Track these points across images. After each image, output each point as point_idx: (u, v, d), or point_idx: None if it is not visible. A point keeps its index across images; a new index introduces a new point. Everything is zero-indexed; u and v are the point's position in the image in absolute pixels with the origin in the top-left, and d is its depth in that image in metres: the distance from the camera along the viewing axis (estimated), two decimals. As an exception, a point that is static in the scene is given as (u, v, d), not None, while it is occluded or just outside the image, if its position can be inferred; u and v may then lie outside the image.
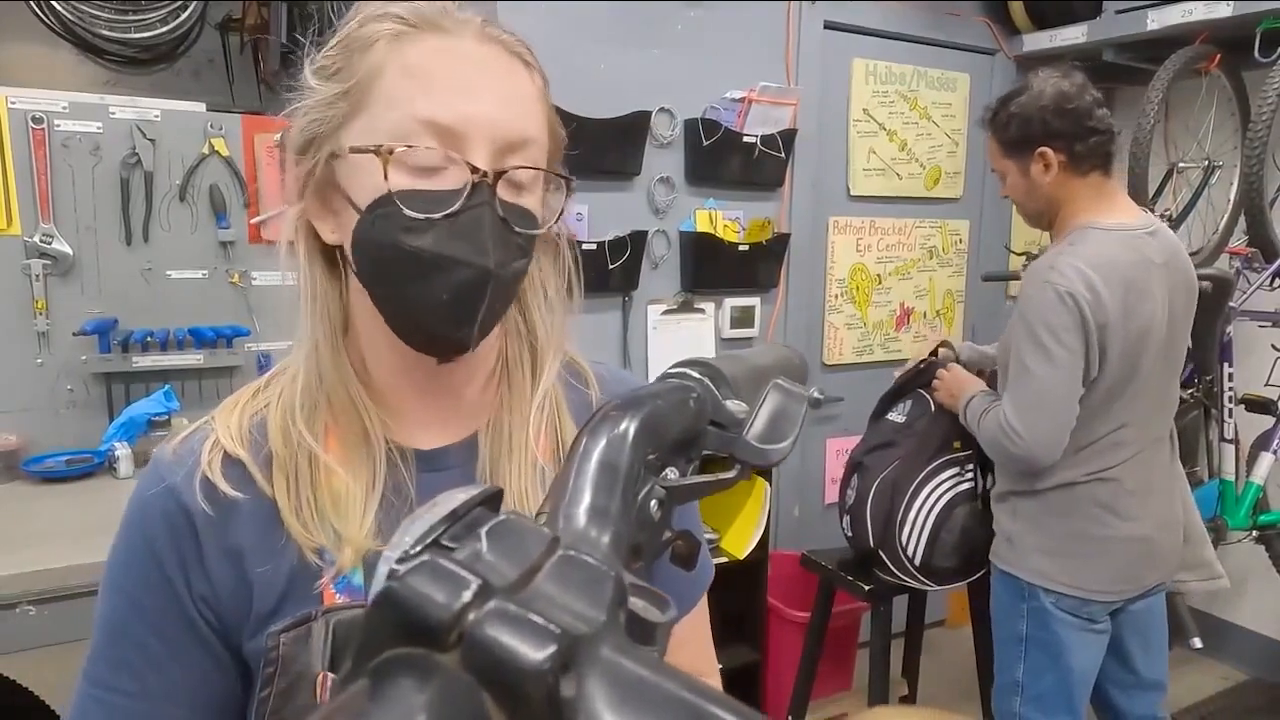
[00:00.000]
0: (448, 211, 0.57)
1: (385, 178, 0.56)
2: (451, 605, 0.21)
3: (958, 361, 2.00)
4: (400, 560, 0.23)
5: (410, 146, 0.56)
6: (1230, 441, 2.59)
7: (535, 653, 0.20)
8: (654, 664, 0.22)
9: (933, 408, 1.95)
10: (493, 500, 0.29)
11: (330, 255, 0.64)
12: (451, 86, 0.57)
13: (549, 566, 0.24)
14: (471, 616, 0.21)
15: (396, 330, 0.61)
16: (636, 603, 0.26)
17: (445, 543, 0.25)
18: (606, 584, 0.24)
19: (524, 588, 0.23)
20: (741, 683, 2.48)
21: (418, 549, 0.24)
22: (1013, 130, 1.67)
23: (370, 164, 0.57)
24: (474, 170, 0.57)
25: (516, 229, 0.60)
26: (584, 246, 2.22)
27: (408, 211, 0.56)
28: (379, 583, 0.23)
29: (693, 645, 0.80)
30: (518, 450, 0.67)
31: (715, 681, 0.84)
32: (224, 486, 0.60)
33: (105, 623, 0.62)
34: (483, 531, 0.25)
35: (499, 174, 0.58)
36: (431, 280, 0.58)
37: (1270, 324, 2.58)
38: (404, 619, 0.21)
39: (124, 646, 0.61)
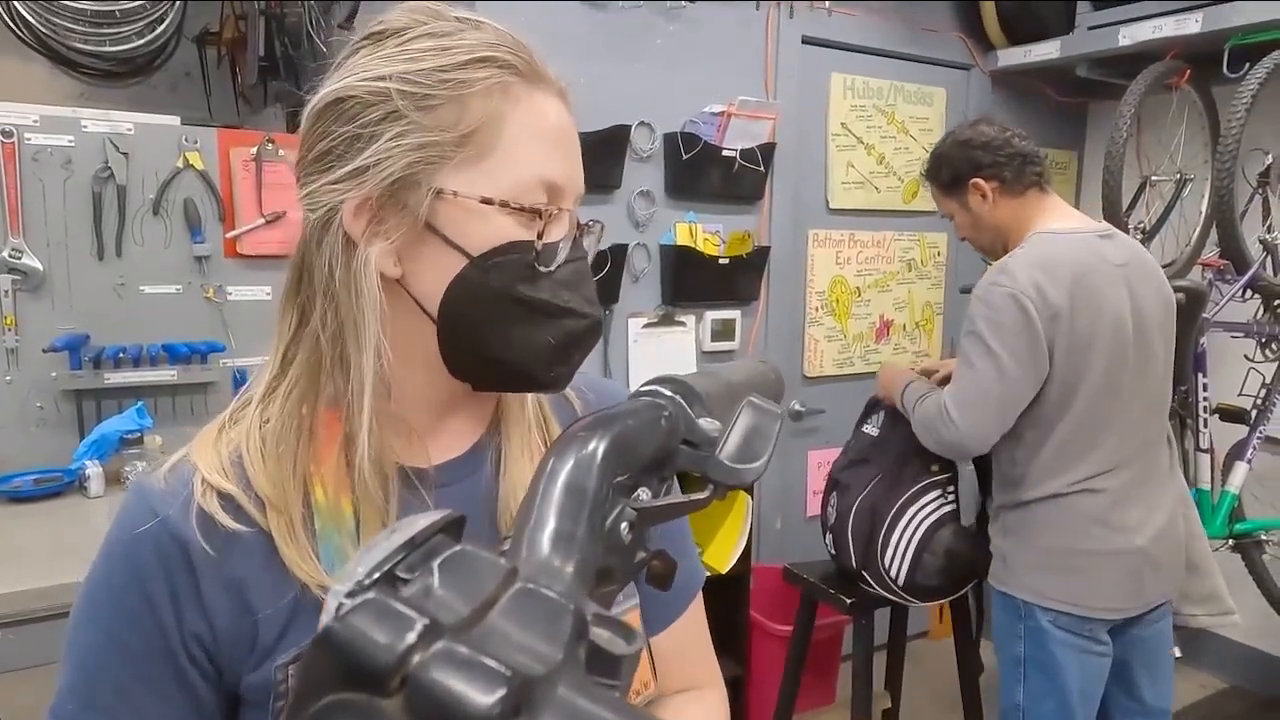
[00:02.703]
0: (559, 262, 0.61)
1: (537, 235, 0.60)
2: (395, 647, 0.20)
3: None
4: (350, 594, 0.22)
5: (560, 208, 0.61)
6: (1205, 451, 2.61)
7: (483, 697, 0.19)
8: (613, 704, 0.21)
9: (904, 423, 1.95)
10: (453, 527, 0.29)
11: (386, 287, 0.61)
12: (565, 150, 0.62)
13: (504, 601, 0.23)
14: (416, 659, 0.20)
15: (460, 368, 0.63)
16: (600, 634, 0.25)
17: (400, 573, 0.24)
18: (565, 619, 0.23)
19: (476, 625, 0.22)
20: (725, 698, 2.46)
21: (369, 581, 0.23)
22: (944, 173, 1.79)
23: (489, 213, 0.58)
24: (576, 226, 0.63)
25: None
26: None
27: (539, 266, 0.60)
28: (325, 618, 0.22)
29: (690, 655, 0.80)
30: (525, 451, 0.68)
31: (718, 693, 0.83)
32: (222, 518, 0.58)
33: (79, 659, 0.60)
34: (435, 564, 0.24)
35: (583, 227, 0.65)
36: (541, 327, 0.61)
37: (1243, 334, 2.61)
38: (344, 662, 0.20)
39: (99, 686, 0.59)
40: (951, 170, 1.77)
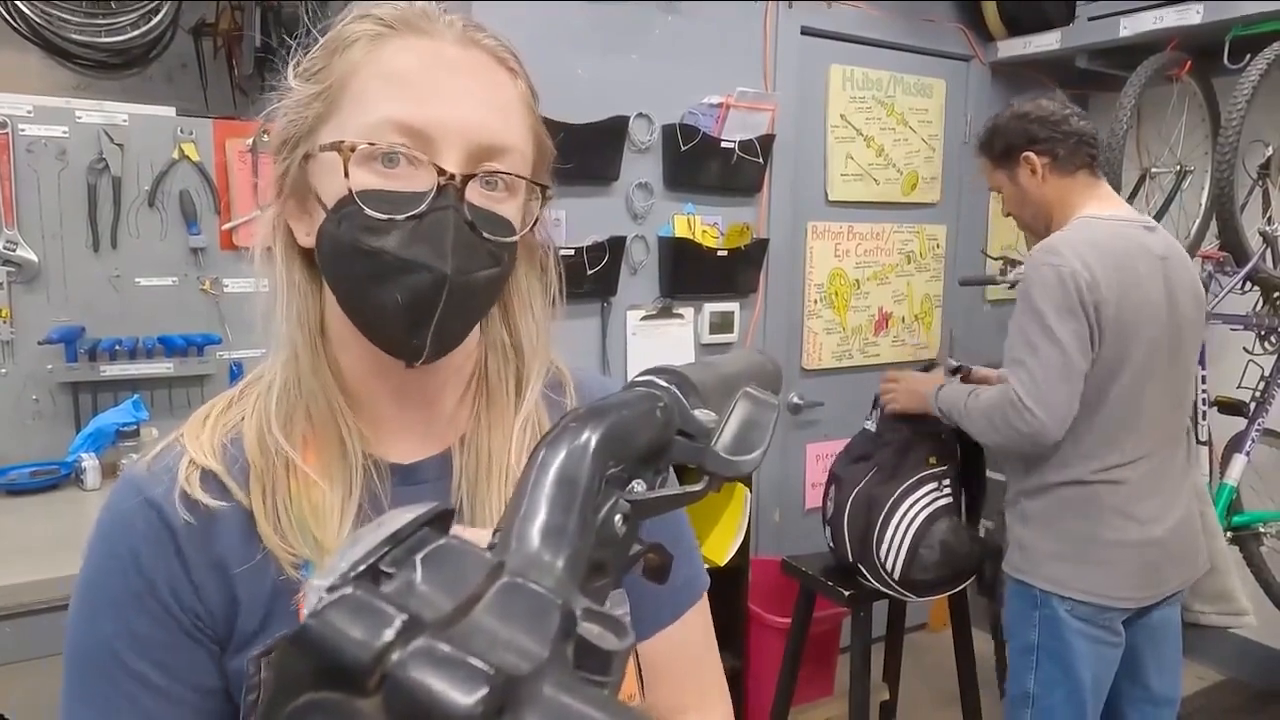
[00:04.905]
0: (411, 213, 0.55)
1: (346, 175, 0.55)
2: (371, 644, 0.19)
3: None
4: (331, 589, 0.22)
5: (372, 144, 0.55)
6: (1204, 443, 2.61)
7: (464, 697, 0.19)
8: (600, 701, 0.20)
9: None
10: (440, 520, 0.28)
11: (308, 258, 0.62)
12: (424, 89, 0.56)
13: (489, 596, 0.22)
14: (395, 657, 0.19)
15: (364, 332, 0.60)
16: (590, 629, 0.24)
17: (384, 568, 0.24)
18: (552, 615, 0.22)
19: (458, 621, 0.21)
20: (723, 690, 2.47)
21: (352, 575, 0.22)
22: (998, 145, 1.76)
23: (336, 163, 0.56)
24: (441, 172, 0.55)
25: (486, 235, 0.57)
26: (562, 252, 2.21)
27: (369, 211, 0.55)
28: (305, 614, 0.21)
29: (689, 669, 0.73)
30: (497, 469, 0.64)
31: (724, 710, 0.76)
32: (202, 498, 0.58)
33: (87, 656, 0.57)
34: (418, 558, 0.23)
35: (467, 177, 0.56)
36: (389, 283, 0.56)
37: (1242, 327, 2.61)
38: (320, 660, 0.20)
39: (117, 679, 0.56)
40: (1005, 141, 1.75)
